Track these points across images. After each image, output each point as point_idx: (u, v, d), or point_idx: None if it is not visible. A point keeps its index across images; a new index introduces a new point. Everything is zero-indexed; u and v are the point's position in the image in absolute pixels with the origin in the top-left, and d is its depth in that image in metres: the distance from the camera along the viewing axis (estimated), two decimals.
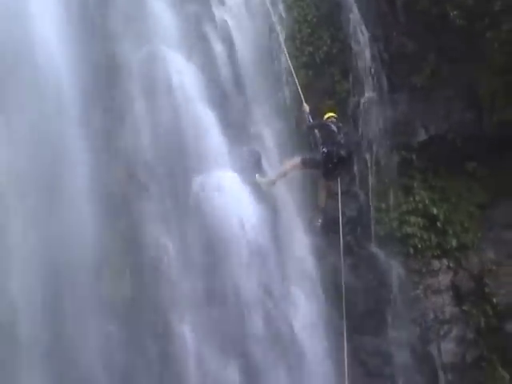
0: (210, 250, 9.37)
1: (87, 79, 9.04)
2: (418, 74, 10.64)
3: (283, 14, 10.81)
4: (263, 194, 9.65)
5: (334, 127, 9.24)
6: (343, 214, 9.53)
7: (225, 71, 10.20)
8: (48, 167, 8.77)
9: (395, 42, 10.74)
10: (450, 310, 10.53)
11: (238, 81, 10.27)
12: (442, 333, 10.42)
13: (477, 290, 10.56)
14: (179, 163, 9.59)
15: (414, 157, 10.87)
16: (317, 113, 9.62)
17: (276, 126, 10.43)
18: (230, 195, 9.49)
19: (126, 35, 9.81)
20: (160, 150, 9.55)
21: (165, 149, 9.55)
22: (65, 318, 8.55)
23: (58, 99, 8.82)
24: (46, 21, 9.01)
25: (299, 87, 9.69)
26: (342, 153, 9.15)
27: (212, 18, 10.42)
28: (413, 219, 10.70)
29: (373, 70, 10.75)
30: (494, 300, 10.33)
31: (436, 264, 10.70)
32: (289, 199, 10.15)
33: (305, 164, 9.38)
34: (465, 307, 10.52)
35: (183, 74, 9.82)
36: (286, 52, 10.19)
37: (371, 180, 10.75)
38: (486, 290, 10.44)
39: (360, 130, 10.73)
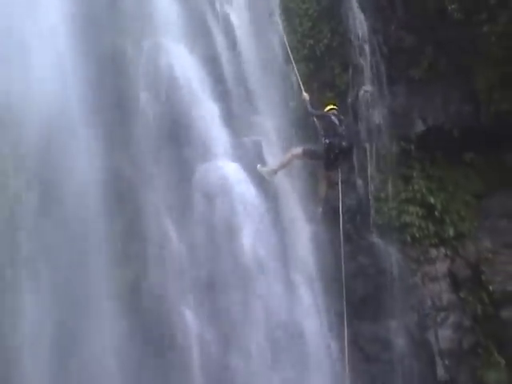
0: (213, 238, 9.40)
1: (93, 70, 9.10)
2: (416, 67, 10.66)
3: (284, 8, 10.87)
4: (265, 184, 9.68)
5: (335, 119, 9.33)
6: (343, 203, 9.56)
7: (227, 64, 10.22)
8: (54, 156, 8.85)
9: (394, 36, 10.78)
10: (447, 297, 10.53)
11: (240, 73, 10.31)
12: (439, 319, 10.42)
13: (473, 277, 10.56)
14: (183, 153, 9.66)
15: (412, 147, 10.88)
16: (317, 105, 9.67)
17: (277, 117, 10.45)
18: (233, 184, 9.53)
19: (131, 29, 9.89)
20: (164, 140, 9.62)
21: (169, 139, 9.62)
22: (72, 303, 8.57)
23: (65, 89, 8.91)
24: (53, 13, 9.06)
25: (299, 77, 9.72)
26: (344, 144, 9.24)
27: (215, 12, 10.45)
28: (411, 208, 10.71)
29: (372, 63, 10.79)
30: (490, 287, 10.31)
31: (433, 252, 10.71)
32: (290, 189, 10.18)
33: (306, 154, 9.39)
34: (462, 294, 10.52)
35: (187, 67, 9.88)
36: (287, 44, 10.15)
37: (370, 170, 10.76)
38: (483, 277, 10.43)
39: (359, 121, 10.74)
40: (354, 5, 10.68)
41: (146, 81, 9.75)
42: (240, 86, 10.29)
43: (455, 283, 10.65)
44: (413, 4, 10.52)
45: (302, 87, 9.81)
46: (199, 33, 10.21)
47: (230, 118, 10.01)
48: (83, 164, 8.85)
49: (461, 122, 10.71)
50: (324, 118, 9.53)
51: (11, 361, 8.36)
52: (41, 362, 8.38)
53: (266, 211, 9.64)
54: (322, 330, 9.68)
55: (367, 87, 10.80)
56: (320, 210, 10.08)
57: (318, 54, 10.96)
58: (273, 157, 10.20)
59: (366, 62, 10.77)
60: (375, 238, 10.69)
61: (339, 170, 9.58)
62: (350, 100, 10.83)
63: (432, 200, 10.76)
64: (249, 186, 9.64)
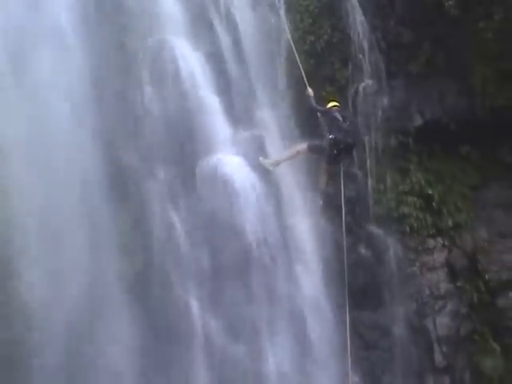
0: (216, 228, 9.49)
1: (99, 66, 9.14)
2: (414, 62, 10.67)
3: (286, 5, 10.79)
4: (267, 177, 9.78)
5: (338, 115, 9.43)
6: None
7: (230, 59, 10.24)
8: (60, 149, 8.83)
9: (392, 32, 10.78)
10: (444, 286, 10.62)
11: (242, 68, 10.31)
12: (437, 308, 10.49)
13: (470, 266, 10.65)
14: (186, 146, 9.70)
15: (410, 140, 10.88)
16: (318, 99, 9.65)
17: (279, 112, 10.47)
18: (235, 177, 9.58)
19: (137, 26, 9.88)
20: (168, 133, 9.62)
21: (173, 132, 9.63)
22: (81, 292, 8.60)
23: (72, 83, 8.94)
24: (60, 9, 9.09)
25: (303, 72, 9.70)
26: (349, 140, 9.40)
27: (218, 9, 10.43)
28: (409, 199, 10.77)
29: (371, 59, 10.78)
30: (486, 276, 10.42)
31: (431, 242, 10.79)
32: (291, 181, 10.18)
33: (311, 150, 9.44)
34: (459, 283, 10.61)
35: (190, 62, 9.91)
36: (290, 39, 10.15)
37: (370, 162, 10.77)
38: (479, 266, 10.54)
39: (359, 115, 10.71)
40: (354, 2, 10.66)
41: (151, 76, 9.77)
42: (242, 81, 10.27)
43: (452, 272, 10.72)
44: (411, 0, 10.47)
45: (306, 82, 9.79)
46: (203, 29, 10.21)
47: (233, 113, 10.04)
48: (89, 156, 8.87)
49: (457, 116, 10.70)
50: (328, 114, 9.55)
51: (23, 348, 8.42)
52: (52, 345, 8.42)
53: (267, 203, 9.68)
54: (323, 318, 9.70)
55: (366, 82, 10.79)
56: (321, 201, 10.06)
57: (319, 50, 10.89)
58: (274, 150, 10.18)
59: (365, 58, 10.76)
60: (375, 229, 10.72)
61: (341, 164, 9.60)
62: (349, 94, 10.80)
63: (430, 191, 10.81)
64: (251, 178, 9.68)
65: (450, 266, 10.75)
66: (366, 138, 10.74)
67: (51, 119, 8.78)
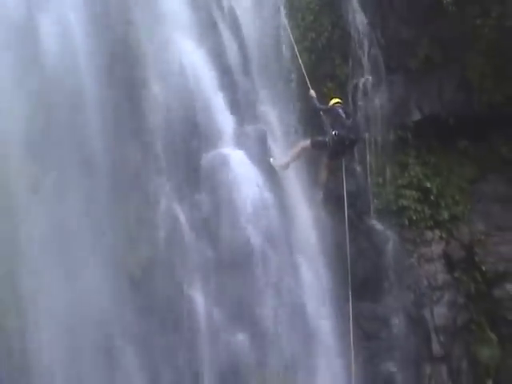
0: (220, 221, 9.44)
1: (106, 62, 9.04)
2: (412, 58, 10.76)
3: (287, 2, 10.83)
4: (268, 170, 9.79)
5: (342, 112, 9.44)
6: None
7: (233, 56, 10.20)
8: (66, 143, 8.90)
9: (392, 29, 10.84)
10: (442, 277, 10.70)
11: (245, 65, 10.30)
12: (434, 298, 10.57)
13: (467, 258, 10.71)
14: (190, 141, 9.62)
15: (409, 135, 10.99)
16: (320, 95, 9.83)
17: (281, 107, 10.48)
18: (238, 171, 9.53)
19: (143, 24, 9.78)
20: (173, 128, 9.53)
21: (177, 127, 9.54)
22: (86, 283, 8.58)
23: (78, 80, 8.91)
24: (68, 8, 9.20)
25: (305, 74, 9.82)
26: (352, 136, 9.47)
27: (221, 7, 10.40)
28: (408, 193, 10.85)
29: (371, 55, 10.84)
30: (483, 268, 10.47)
31: (429, 234, 10.88)
32: (293, 175, 10.16)
33: (314, 146, 9.55)
34: (456, 274, 10.68)
35: (194, 59, 9.84)
36: (293, 41, 10.22)
37: (369, 157, 10.84)
38: (476, 258, 10.59)
39: (359, 110, 10.80)
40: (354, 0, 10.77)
41: (156, 73, 9.64)
42: (245, 78, 10.27)
43: (450, 264, 10.79)
44: None
45: (309, 83, 9.88)
46: (206, 28, 10.14)
47: (236, 108, 9.97)
48: (95, 152, 8.83)
49: (455, 111, 10.78)
50: (331, 111, 9.56)
51: (28, 336, 8.40)
52: (57, 338, 8.39)
53: (270, 196, 9.59)
54: (325, 309, 9.74)
55: (366, 78, 10.84)
56: (321, 195, 10.18)
57: (320, 47, 10.92)
58: (277, 145, 10.31)
59: (364, 54, 10.81)
60: (374, 222, 10.82)
61: (343, 160, 9.76)
62: (349, 90, 10.87)
63: (428, 185, 10.89)
64: (253, 172, 9.65)
65: (447, 258, 10.80)
66: (366, 133, 10.77)
67: (57, 116, 8.78)
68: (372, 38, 10.85)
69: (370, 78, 10.85)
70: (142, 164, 9.67)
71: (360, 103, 10.85)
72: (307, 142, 9.78)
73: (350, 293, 9.51)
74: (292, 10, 10.90)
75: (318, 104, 9.84)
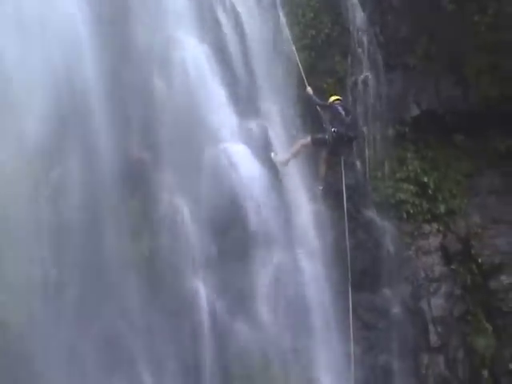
0: (222, 214, 9.53)
1: (110, 60, 9.20)
2: (410, 55, 10.81)
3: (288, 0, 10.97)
4: (269, 164, 9.96)
5: (341, 109, 9.52)
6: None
7: (235, 52, 10.32)
8: (70, 136, 9.06)
9: (390, 26, 10.90)
10: (439, 269, 10.69)
11: (246, 61, 10.39)
12: (431, 290, 10.55)
13: (464, 250, 10.69)
14: (193, 136, 9.68)
15: (407, 130, 11.02)
16: (319, 92, 10.12)
17: (282, 103, 10.51)
18: (240, 165, 9.66)
19: (145, 20, 9.91)
20: (176, 123, 9.63)
21: (180, 122, 9.63)
22: (91, 275, 8.78)
23: (84, 76, 8.94)
24: (75, 7, 9.15)
25: (302, 71, 10.09)
26: (351, 133, 9.53)
27: (223, 4, 10.50)
28: (406, 187, 10.83)
29: (370, 52, 10.90)
30: (479, 260, 10.45)
31: (427, 227, 10.87)
32: (293, 169, 10.23)
33: (314, 143, 9.74)
34: (453, 266, 10.66)
35: (197, 55, 9.95)
36: (289, 36, 10.43)
37: (368, 151, 10.86)
38: (472, 250, 10.57)
39: (358, 106, 10.83)
40: None
41: (160, 69, 9.79)
42: (247, 74, 10.34)
43: (447, 256, 10.78)
44: None
45: (306, 82, 10.13)
46: (209, 24, 10.27)
47: (238, 104, 10.08)
48: (100, 146, 8.96)
49: (452, 107, 10.82)
50: (330, 108, 9.72)
51: (34, 325, 8.56)
52: (63, 326, 8.58)
53: (271, 190, 9.70)
54: (324, 300, 9.76)
55: (365, 74, 10.89)
56: (320, 188, 10.31)
57: (320, 43, 11.00)
58: (277, 140, 10.35)
59: (364, 51, 10.87)
60: (373, 215, 10.78)
61: (342, 157, 10.02)
62: (349, 86, 10.91)
63: (425, 179, 10.88)
64: (255, 166, 9.78)
65: (444, 250, 10.80)
66: (365, 128, 10.80)
67: (64, 113, 8.95)
68: (371, 35, 10.91)
69: (369, 74, 10.89)
70: (146, 157, 9.80)
71: (359, 99, 10.87)
72: (307, 139, 9.91)
73: (350, 285, 9.70)
74: (292, 7, 10.99)
75: (316, 100, 9.96)
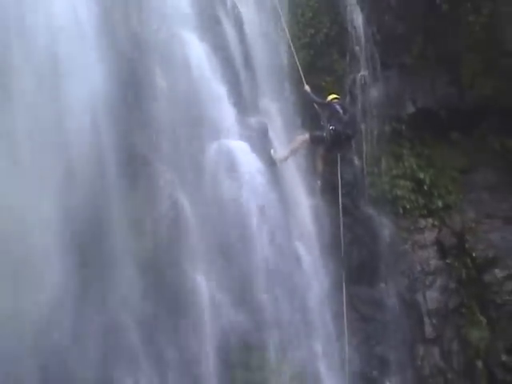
0: (222, 210, 9.47)
1: (114, 58, 9.02)
2: (407, 54, 10.94)
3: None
4: (269, 160, 9.94)
5: (339, 108, 9.56)
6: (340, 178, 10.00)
7: (235, 51, 10.31)
8: (74, 132, 9.19)
9: (387, 25, 10.95)
10: (434, 262, 10.88)
11: (247, 59, 10.40)
12: (427, 283, 10.72)
13: (458, 245, 10.85)
14: (195, 132, 9.64)
15: (403, 127, 11.17)
16: (318, 89, 10.20)
17: (281, 101, 10.64)
18: (240, 160, 9.63)
19: (147, 19, 9.84)
20: (178, 119, 9.56)
21: (182, 119, 9.56)
22: (95, 268, 8.70)
23: (89, 74, 9.11)
24: (80, 3, 9.42)
25: (300, 69, 10.12)
26: (348, 131, 9.58)
27: (224, 3, 10.50)
28: (402, 183, 11.02)
29: (367, 50, 10.98)
30: (474, 254, 10.62)
31: (422, 222, 11.08)
32: (292, 165, 10.32)
33: (313, 141, 9.77)
34: (448, 260, 10.84)
35: (198, 53, 9.89)
36: (288, 36, 10.43)
37: (365, 148, 10.99)
38: (467, 245, 10.73)
39: (356, 103, 10.95)
40: None
41: (162, 66, 9.66)
42: (247, 71, 10.35)
43: (442, 250, 10.95)
44: None
45: (304, 80, 10.17)
46: (210, 23, 10.22)
47: (238, 101, 10.03)
48: (102, 142, 8.80)
49: (447, 104, 10.95)
50: (328, 106, 9.77)
51: (39, 317, 8.43)
52: (65, 319, 8.42)
53: (270, 186, 9.68)
54: (322, 292, 9.80)
55: (363, 72, 11.00)
56: (319, 184, 10.40)
57: (318, 42, 11.08)
58: (277, 136, 10.37)
59: (361, 50, 10.96)
60: (370, 210, 10.95)
61: (339, 155, 10.03)
62: (347, 84, 11.02)
63: (421, 175, 11.07)
64: (255, 162, 9.71)
65: (439, 244, 10.95)
66: (362, 125, 10.90)
67: (69, 109, 9.02)
68: (368, 35, 10.97)
69: (367, 72, 10.98)
70: (148, 154, 9.78)
71: (357, 96, 10.98)
72: (306, 137, 9.94)
73: (344, 277, 9.77)
74: (292, 7, 11.05)
75: (314, 97, 10.02)
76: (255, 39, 10.60)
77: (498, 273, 10.56)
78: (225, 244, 9.56)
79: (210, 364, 9.12)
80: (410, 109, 11.22)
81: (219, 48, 10.21)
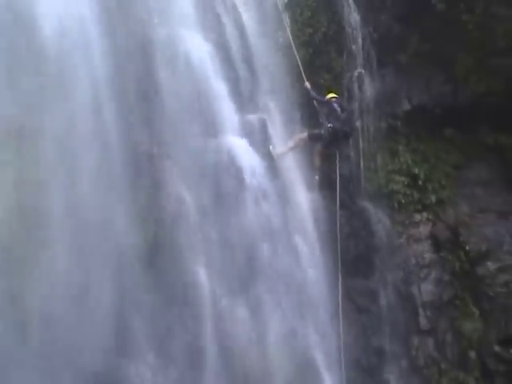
0: (223, 205, 9.68)
1: (118, 57, 9.13)
2: (402, 52, 11.00)
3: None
4: (268, 156, 10.11)
5: (337, 106, 9.71)
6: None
7: (236, 49, 10.47)
8: (82, 131, 9.42)
9: (383, 25, 11.08)
10: (429, 256, 11.00)
11: (247, 58, 10.55)
12: (422, 275, 10.84)
13: (452, 238, 10.97)
14: (196, 129, 9.78)
15: (399, 124, 11.29)
16: (317, 87, 10.33)
17: (280, 98, 10.69)
18: (240, 156, 9.79)
19: (150, 18, 9.94)
20: (179, 118, 9.66)
21: (184, 115, 9.68)
22: (98, 259, 8.70)
23: (93, 72, 9.36)
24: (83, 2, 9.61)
25: (301, 67, 10.26)
26: (346, 129, 9.72)
27: (224, 2, 10.64)
28: (398, 178, 11.13)
29: (364, 49, 11.11)
30: (467, 247, 10.76)
31: (417, 216, 11.18)
32: (290, 160, 10.44)
33: (311, 138, 9.93)
34: (442, 253, 10.96)
35: (200, 52, 10.04)
36: (290, 34, 10.61)
37: (362, 144, 11.09)
38: (460, 238, 10.86)
39: (353, 100, 11.06)
40: None
41: (165, 65, 9.74)
42: (247, 70, 10.49)
43: (436, 244, 11.07)
44: None
45: (304, 76, 10.29)
46: (211, 22, 10.35)
47: (239, 99, 10.18)
48: (106, 139, 8.89)
49: (442, 102, 11.08)
50: (327, 104, 9.90)
51: (43, 312, 8.52)
52: (67, 310, 8.35)
53: (269, 180, 9.88)
54: (319, 284, 9.92)
55: (359, 70, 11.10)
56: (316, 178, 10.52)
57: (317, 41, 11.22)
58: (276, 133, 10.48)
59: (358, 48, 11.07)
60: (366, 204, 11.06)
61: (337, 152, 10.27)
62: (344, 81, 11.13)
63: (416, 170, 11.17)
64: (254, 158, 9.93)
65: (434, 238, 11.08)
66: (359, 122, 11.01)
67: (74, 106, 9.14)
68: (365, 34, 11.10)
69: (364, 70, 11.08)
70: (151, 150, 9.80)
71: (354, 94, 11.08)
72: (304, 135, 10.10)
73: (340, 270, 9.88)
74: (291, 7, 11.20)
75: (314, 94, 10.14)
76: (255, 37, 10.70)
77: (491, 265, 10.70)
78: (225, 238, 9.69)
79: (210, 354, 9.22)
80: (406, 106, 11.35)
81: (220, 46, 10.35)
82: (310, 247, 10.18)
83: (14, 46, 8.46)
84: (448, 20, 10.46)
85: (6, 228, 8.06)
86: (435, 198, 11.19)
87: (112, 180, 9.07)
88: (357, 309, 10.71)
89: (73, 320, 8.54)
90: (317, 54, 11.23)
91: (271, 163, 10.17)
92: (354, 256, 10.63)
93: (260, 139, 10.20)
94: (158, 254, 9.52)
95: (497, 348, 10.48)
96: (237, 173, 9.79)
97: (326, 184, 10.61)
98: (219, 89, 10.08)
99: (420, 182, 11.20)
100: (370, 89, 11.13)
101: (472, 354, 10.57)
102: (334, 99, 10.04)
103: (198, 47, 10.12)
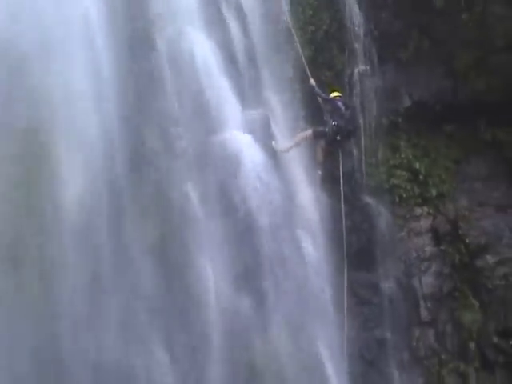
0: (228, 198, 9.70)
1: (124, 54, 9.24)
2: (403, 49, 11.10)
3: None
4: (271, 151, 10.16)
5: (341, 104, 9.74)
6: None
7: (239, 46, 10.51)
8: (89, 129, 9.49)
9: (384, 22, 11.13)
10: (429, 249, 11.12)
11: (250, 55, 10.59)
12: (422, 268, 10.97)
13: (452, 232, 11.09)
14: (200, 125, 9.83)
15: (399, 120, 11.37)
16: (319, 83, 10.39)
17: (283, 95, 10.74)
18: (243, 152, 9.82)
19: (156, 17, 9.97)
20: (184, 114, 9.72)
21: (189, 112, 9.74)
22: (107, 255, 8.78)
23: (97, 69, 9.22)
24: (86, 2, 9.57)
25: (305, 63, 10.29)
26: (350, 127, 9.77)
27: (229, 1, 10.68)
28: (398, 172, 11.24)
29: (365, 46, 11.16)
30: (467, 240, 10.89)
31: (418, 210, 11.29)
32: (293, 155, 10.48)
33: (315, 136, 9.95)
34: (442, 247, 11.09)
35: (204, 49, 10.08)
36: (293, 31, 10.65)
37: (364, 140, 11.14)
38: (460, 232, 10.99)
39: (354, 97, 11.13)
40: None
41: (170, 63, 9.82)
42: (251, 67, 10.54)
43: (436, 237, 11.18)
44: None
45: (309, 73, 10.32)
46: (215, 20, 10.38)
47: (242, 95, 10.22)
48: (111, 136, 8.92)
49: (442, 98, 11.18)
50: (331, 102, 9.94)
51: (54, 305, 8.42)
52: (79, 305, 8.42)
53: (272, 175, 9.91)
54: (323, 278, 9.98)
55: (361, 67, 11.17)
56: (319, 174, 10.57)
57: (319, 39, 11.25)
58: (278, 128, 10.56)
59: (359, 45, 11.13)
60: (368, 199, 11.14)
61: (340, 151, 10.32)
62: (346, 78, 11.21)
63: (417, 165, 11.27)
64: (259, 154, 9.94)
65: (434, 232, 11.19)
66: (361, 118, 11.04)
67: (80, 103, 8.99)
68: (366, 31, 11.12)
69: (365, 66, 11.14)
70: (157, 146, 9.77)
71: (355, 90, 11.13)
72: (309, 132, 10.13)
73: (346, 264, 10.04)
74: (293, 5, 11.16)
75: (319, 91, 10.17)
76: (259, 35, 10.72)
77: (490, 258, 10.85)
78: (229, 232, 9.71)
79: (215, 347, 9.30)
80: (407, 102, 11.42)
81: (224, 44, 10.37)
82: (313, 241, 10.21)
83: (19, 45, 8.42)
84: (448, 18, 10.57)
85: (14, 223, 8.13)
86: (435, 192, 11.27)
87: (120, 176, 9.13)
88: (359, 301, 10.79)
89: (82, 314, 8.67)
90: (319, 51, 11.25)
91: (274, 158, 10.21)
92: (356, 250, 10.68)
93: (263, 135, 10.21)
94: (163, 248, 9.54)
95: (496, 339, 10.64)
96: (242, 169, 9.79)
97: (328, 179, 10.64)
98: (223, 85, 10.11)
99: (421, 177, 11.28)
100: (371, 85, 11.20)
101: (472, 345, 10.71)
102: (337, 97, 10.10)
103: (201, 44, 10.14)
